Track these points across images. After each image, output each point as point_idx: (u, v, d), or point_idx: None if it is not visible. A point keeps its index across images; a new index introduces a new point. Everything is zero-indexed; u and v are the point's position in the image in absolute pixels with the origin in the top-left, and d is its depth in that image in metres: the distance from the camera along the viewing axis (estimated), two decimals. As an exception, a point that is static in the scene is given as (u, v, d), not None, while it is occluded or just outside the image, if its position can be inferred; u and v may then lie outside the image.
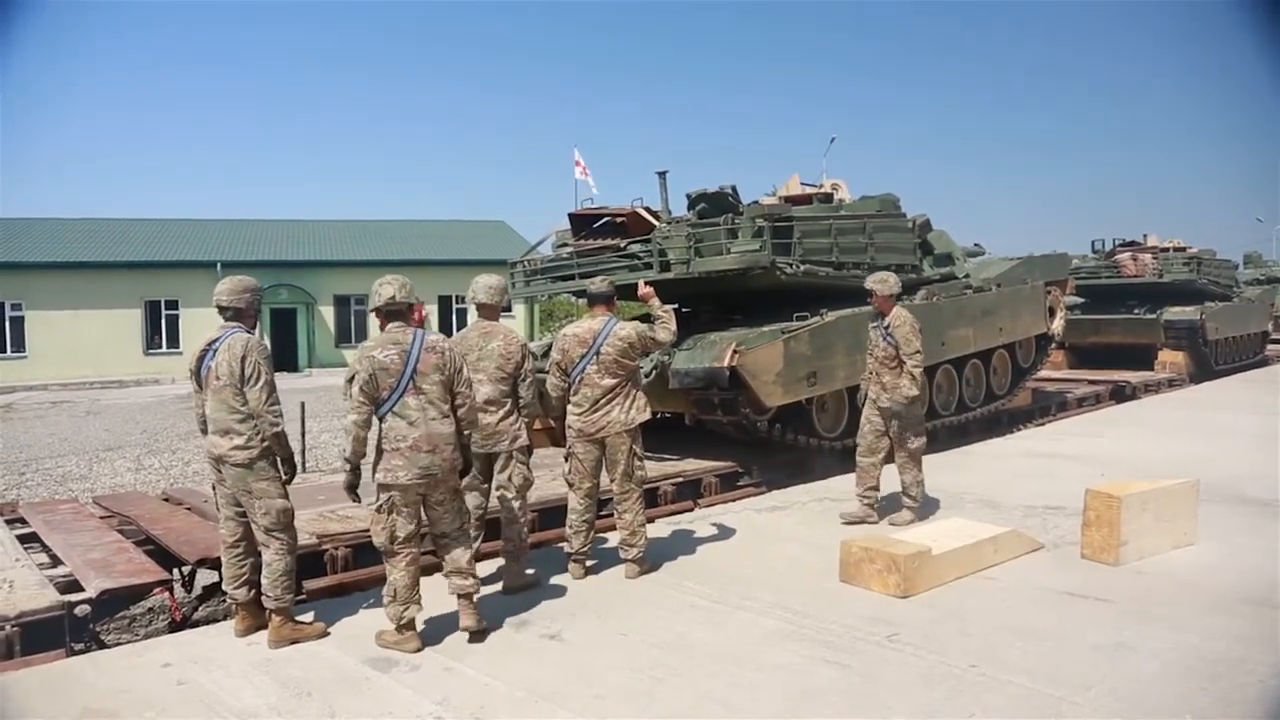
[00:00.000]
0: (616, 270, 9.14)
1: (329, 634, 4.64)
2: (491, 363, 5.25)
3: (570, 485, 5.66)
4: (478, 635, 4.53)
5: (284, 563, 4.58)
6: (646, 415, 5.63)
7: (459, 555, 4.59)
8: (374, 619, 4.68)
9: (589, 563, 5.67)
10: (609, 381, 5.48)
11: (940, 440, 10.72)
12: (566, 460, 5.66)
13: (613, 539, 5.91)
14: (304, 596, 5.30)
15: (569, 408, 5.62)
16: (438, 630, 4.62)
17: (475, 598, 4.58)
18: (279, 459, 4.66)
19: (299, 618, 4.73)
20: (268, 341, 17.96)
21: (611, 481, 5.62)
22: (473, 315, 5.62)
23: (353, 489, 4.53)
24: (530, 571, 5.47)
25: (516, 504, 5.33)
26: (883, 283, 6.74)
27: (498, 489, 5.37)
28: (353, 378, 4.43)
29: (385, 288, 4.57)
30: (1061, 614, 4.67)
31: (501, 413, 5.26)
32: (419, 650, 4.37)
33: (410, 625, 4.43)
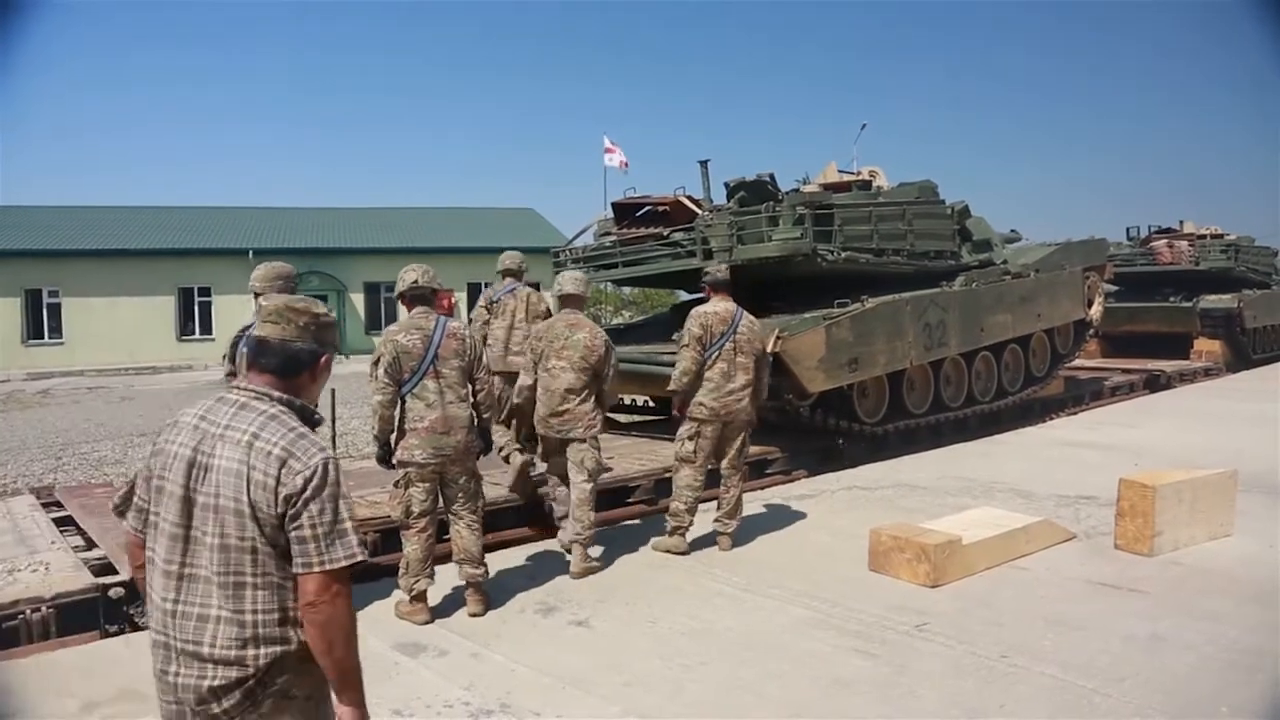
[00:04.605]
0: (659, 258, 9.23)
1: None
2: (576, 353, 5.40)
3: (687, 462, 5.79)
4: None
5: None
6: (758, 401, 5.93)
7: (471, 544, 4.75)
8: (402, 603, 4.72)
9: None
10: (745, 361, 5.76)
11: (972, 428, 10.62)
12: (691, 440, 5.76)
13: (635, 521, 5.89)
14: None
15: (704, 385, 5.72)
16: (466, 617, 4.67)
17: (484, 585, 4.79)
18: None
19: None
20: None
21: (721, 459, 5.85)
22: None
23: (384, 460, 4.77)
24: (596, 557, 5.51)
25: (588, 487, 5.42)
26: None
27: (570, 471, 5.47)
28: (378, 360, 4.62)
29: (409, 274, 4.83)
30: (1094, 605, 4.61)
31: (578, 400, 5.39)
32: (428, 622, 4.57)
33: (421, 597, 4.63)
